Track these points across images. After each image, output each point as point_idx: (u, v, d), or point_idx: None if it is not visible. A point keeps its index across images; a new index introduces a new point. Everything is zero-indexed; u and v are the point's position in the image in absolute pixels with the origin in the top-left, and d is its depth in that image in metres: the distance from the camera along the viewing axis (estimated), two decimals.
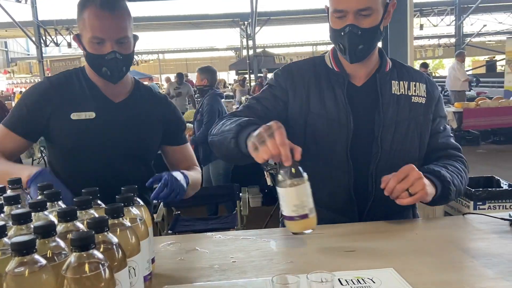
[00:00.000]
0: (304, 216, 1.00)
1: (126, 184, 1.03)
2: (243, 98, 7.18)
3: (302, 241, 1.14)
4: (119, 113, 1.44)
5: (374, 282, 0.88)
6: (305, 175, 1.00)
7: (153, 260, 0.95)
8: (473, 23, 21.60)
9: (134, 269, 0.78)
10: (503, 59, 10.52)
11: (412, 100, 1.32)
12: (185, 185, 1.32)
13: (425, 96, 1.35)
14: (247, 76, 17.60)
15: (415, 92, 1.34)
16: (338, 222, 1.25)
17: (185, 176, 1.35)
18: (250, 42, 18.96)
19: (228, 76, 27.88)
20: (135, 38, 1.41)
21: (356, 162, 1.27)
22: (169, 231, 3.17)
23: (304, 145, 1.26)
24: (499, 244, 1.05)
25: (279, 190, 1.01)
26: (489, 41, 25.45)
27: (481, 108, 7.87)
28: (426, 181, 1.14)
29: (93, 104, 1.41)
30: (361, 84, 1.33)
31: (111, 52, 1.33)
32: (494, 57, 21.07)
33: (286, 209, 1.01)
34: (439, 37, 23.76)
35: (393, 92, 1.31)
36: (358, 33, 1.21)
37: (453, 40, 21.04)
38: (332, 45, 1.37)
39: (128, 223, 0.80)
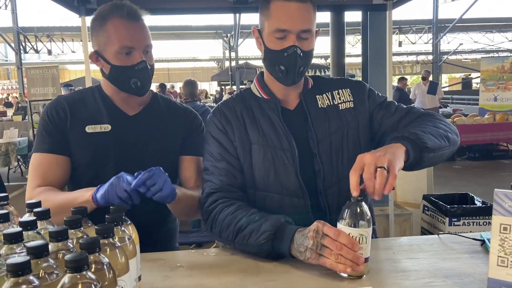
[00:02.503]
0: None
1: (145, 201, 1.10)
2: None
3: (283, 261, 1.17)
4: (133, 126, 1.43)
5: None
6: None
7: (139, 278, 0.98)
8: (449, 42, 22.31)
9: None
10: (478, 77, 10.89)
11: (340, 108, 1.34)
12: (175, 196, 1.20)
13: (352, 99, 1.36)
14: (234, 87, 17.67)
15: (340, 99, 1.35)
16: None
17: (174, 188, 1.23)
18: (233, 54, 19.10)
19: (210, 87, 27.92)
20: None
21: (307, 185, 1.28)
22: None
23: (255, 177, 1.30)
24: (470, 264, 1.11)
25: (365, 230, 1.00)
26: (465, 59, 26.26)
27: (457, 125, 8.10)
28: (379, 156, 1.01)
29: (108, 117, 1.40)
30: (294, 107, 1.35)
31: (142, 62, 1.32)
32: (469, 74, 21.71)
33: (366, 250, 1.01)
34: (417, 54, 24.41)
35: (319, 107, 1.33)
36: (301, 54, 1.24)
37: (430, 57, 21.63)
38: (256, 76, 1.40)
39: (117, 243, 0.82)
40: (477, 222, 3.45)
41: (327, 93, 1.36)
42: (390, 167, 1.00)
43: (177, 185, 1.39)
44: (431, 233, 3.64)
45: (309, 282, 1.03)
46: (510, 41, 22.11)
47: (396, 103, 1.39)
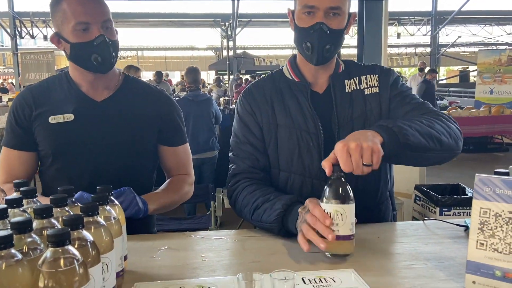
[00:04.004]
0: (354, 235, 1.03)
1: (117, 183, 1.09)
2: (221, 100, 7.20)
3: (270, 243, 1.19)
4: (101, 113, 1.37)
5: (334, 282, 0.94)
6: None
7: (125, 258, 0.99)
8: (448, 34, 22.23)
9: (107, 265, 0.81)
10: (476, 70, 10.89)
11: (366, 93, 1.34)
12: (140, 213, 1.22)
13: (378, 85, 1.36)
14: (225, 76, 17.61)
15: (366, 84, 1.35)
16: None
17: (144, 203, 1.25)
18: (231, 43, 18.99)
19: (208, 76, 27.77)
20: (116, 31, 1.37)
21: None
22: None
23: (279, 158, 1.34)
24: (452, 248, 1.13)
25: (340, 207, 1.00)
26: (463, 52, 26.21)
27: (453, 117, 8.12)
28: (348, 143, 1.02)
29: (72, 105, 1.36)
30: (322, 91, 1.36)
31: (100, 36, 1.27)
32: (467, 67, 21.69)
33: (344, 227, 1.01)
34: (416, 46, 24.34)
35: (346, 91, 1.33)
36: (327, 32, 1.24)
37: (429, 49, 21.59)
38: (289, 57, 1.41)
39: (102, 221, 0.83)
40: (467, 212, 3.48)
41: (355, 78, 1.36)
42: (374, 158, 1.01)
43: (155, 193, 1.39)
44: None
45: (292, 263, 1.04)
46: (508, 34, 22.09)
47: (416, 97, 1.37)
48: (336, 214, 1.01)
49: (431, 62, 20.32)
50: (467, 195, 3.65)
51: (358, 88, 1.35)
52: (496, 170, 1.04)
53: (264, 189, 1.28)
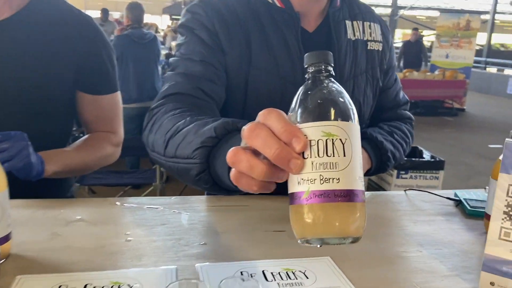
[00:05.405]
0: (364, 194, 0.47)
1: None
2: (173, 43, 6.66)
3: (221, 216, 0.92)
4: None
5: (307, 278, 0.68)
6: None
7: (7, 238, 0.68)
8: None
9: None
10: (431, 34, 10.90)
11: (368, 47, 1.05)
12: (32, 171, 0.90)
13: (381, 40, 1.08)
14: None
15: (370, 35, 1.05)
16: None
17: (41, 162, 0.93)
18: None
19: (162, 21, 26.33)
20: None
21: None
22: (76, 183, 2.83)
23: (245, 114, 0.95)
24: (447, 229, 0.91)
25: (334, 126, 0.45)
26: (420, 15, 26.48)
27: (408, 79, 8.13)
28: None
29: None
30: (313, 29, 1.01)
31: None
32: (421, 31, 21.97)
33: (347, 171, 0.44)
34: (376, 6, 24.21)
35: (348, 37, 1.02)
36: None
37: (389, 10, 21.56)
38: None
39: None
40: (424, 176, 3.42)
41: (358, 21, 1.04)
42: None
43: (60, 150, 1.05)
44: (378, 185, 3.58)
45: (248, 247, 0.77)
46: (466, 0, 22.43)
47: (396, 75, 1.19)
48: (327, 143, 0.44)
49: (390, 24, 20.32)
50: (424, 158, 3.59)
51: (361, 37, 1.04)
52: None
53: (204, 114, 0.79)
